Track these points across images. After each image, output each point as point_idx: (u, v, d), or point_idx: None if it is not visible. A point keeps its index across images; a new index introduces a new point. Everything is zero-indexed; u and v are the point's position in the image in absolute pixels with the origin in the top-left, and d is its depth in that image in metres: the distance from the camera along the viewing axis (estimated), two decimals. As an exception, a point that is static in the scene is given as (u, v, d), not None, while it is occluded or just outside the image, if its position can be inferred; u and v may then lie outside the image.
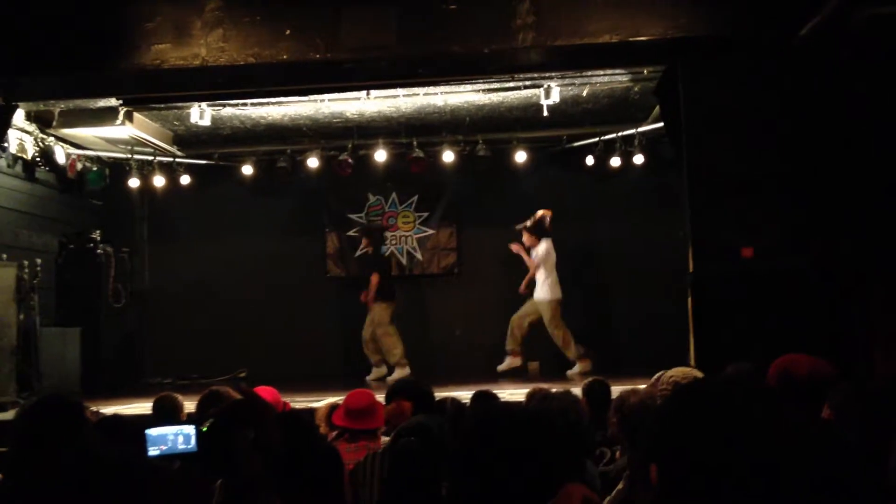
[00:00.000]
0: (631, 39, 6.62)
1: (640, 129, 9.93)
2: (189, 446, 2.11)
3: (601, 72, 8.04)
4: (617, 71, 8.03)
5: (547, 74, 7.96)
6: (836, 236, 6.36)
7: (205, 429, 1.77)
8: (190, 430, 2.10)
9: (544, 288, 9.60)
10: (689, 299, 6.73)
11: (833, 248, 6.33)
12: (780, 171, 6.52)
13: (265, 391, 4.60)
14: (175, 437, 2.14)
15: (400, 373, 9.76)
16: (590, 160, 10.38)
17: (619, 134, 10.09)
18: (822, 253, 6.33)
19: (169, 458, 2.17)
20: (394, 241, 11.41)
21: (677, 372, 4.08)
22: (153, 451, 2.16)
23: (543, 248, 9.68)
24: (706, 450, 1.16)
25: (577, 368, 9.48)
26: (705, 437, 1.17)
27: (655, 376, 4.33)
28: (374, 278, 9.98)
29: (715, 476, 1.15)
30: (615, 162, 10.22)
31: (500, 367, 9.71)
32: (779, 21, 6.47)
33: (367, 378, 9.86)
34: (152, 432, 2.19)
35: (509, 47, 6.76)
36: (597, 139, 10.26)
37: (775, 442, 1.16)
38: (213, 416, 1.78)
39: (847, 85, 6.37)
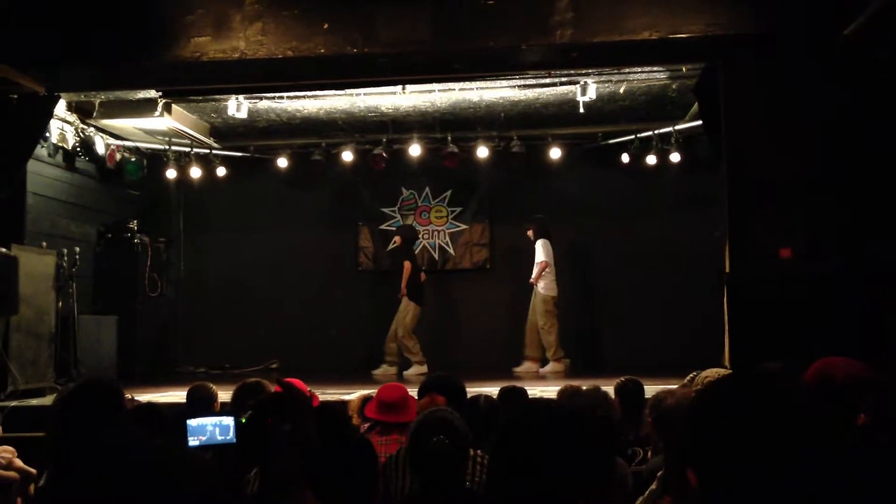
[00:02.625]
0: (671, 36, 6.54)
1: (678, 127, 9.84)
2: (227, 437, 2.12)
3: (639, 69, 7.97)
4: (655, 68, 7.95)
5: (584, 71, 7.92)
6: (876, 238, 6.25)
7: (244, 420, 1.78)
8: (228, 421, 2.12)
9: (541, 283, 9.84)
10: (725, 299, 6.66)
11: (873, 250, 6.22)
12: (820, 171, 6.42)
13: (296, 383, 4.62)
14: (214, 428, 2.16)
15: (419, 369, 9.83)
16: (625, 158, 10.32)
17: (656, 132, 10.01)
18: (861, 254, 6.23)
19: (207, 449, 2.18)
20: (426, 236, 11.43)
21: (711, 373, 4.04)
22: (193, 442, 2.18)
23: (541, 245, 9.91)
24: (744, 448, 1.13)
25: (549, 367, 9.72)
26: (743, 435, 1.14)
27: (689, 377, 4.29)
28: (407, 265, 10.05)
29: (756, 474, 1.12)
30: (651, 160, 10.14)
31: (517, 369, 9.78)
32: (822, 20, 6.36)
33: (374, 372, 9.88)
34: (192, 423, 2.21)
35: (546, 43, 6.72)
36: (633, 136, 10.19)
37: (815, 438, 1.13)
38: (251, 408, 1.79)
39: (890, 85, 6.25)
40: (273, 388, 4.29)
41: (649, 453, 4.24)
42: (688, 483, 1.18)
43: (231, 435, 2.15)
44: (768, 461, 1.12)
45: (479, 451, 3.23)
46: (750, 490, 1.12)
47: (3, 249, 7.39)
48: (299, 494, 1.68)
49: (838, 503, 1.10)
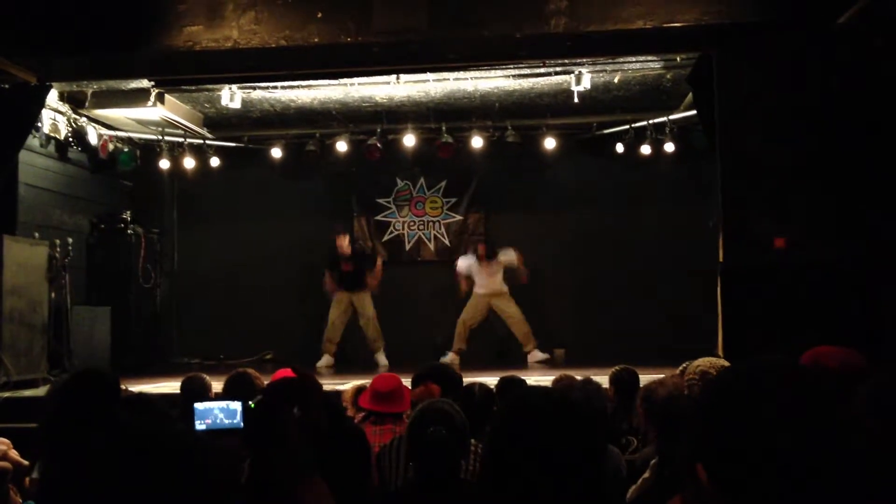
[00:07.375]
0: (665, 25, 6.53)
1: (672, 117, 9.84)
2: (234, 422, 2.12)
3: (634, 58, 7.95)
4: (650, 58, 7.94)
5: (578, 60, 7.90)
6: (871, 227, 6.26)
7: (252, 405, 1.77)
8: (235, 405, 2.11)
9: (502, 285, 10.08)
10: (719, 289, 6.67)
11: (868, 239, 6.23)
12: (815, 161, 6.42)
13: (288, 374, 4.61)
14: (220, 413, 2.15)
15: (383, 358, 9.98)
16: (620, 148, 10.31)
17: (650, 121, 10.01)
18: (856, 243, 6.24)
19: (213, 434, 2.18)
20: (421, 227, 11.44)
21: (704, 362, 4.04)
22: (199, 426, 2.18)
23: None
24: (756, 439, 1.11)
25: (542, 356, 9.92)
26: (755, 428, 1.11)
27: (682, 366, 4.30)
28: (380, 263, 10.25)
29: (769, 467, 1.10)
30: (645, 150, 10.14)
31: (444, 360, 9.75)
32: (816, 8, 6.35)
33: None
34: (199, 406, 2.20)
35: (541, 32, 6.70)
36: (627, 126, 10.18)
37: (828, 429, 1.12)
38: (261, 394, 1.78)
39: (885, 73, 6.25)
40: (262, 379, 4.30)
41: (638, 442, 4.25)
42: (698, 479, 1.16)
43: (237, 419, 2.15)
44: (782, 454, 1.09)
45: (472, 440, 3.23)
46: (763, 484, 1.10)
47: None
48: (311, 481, 1.66)
49: (851, 494, 1.09)
